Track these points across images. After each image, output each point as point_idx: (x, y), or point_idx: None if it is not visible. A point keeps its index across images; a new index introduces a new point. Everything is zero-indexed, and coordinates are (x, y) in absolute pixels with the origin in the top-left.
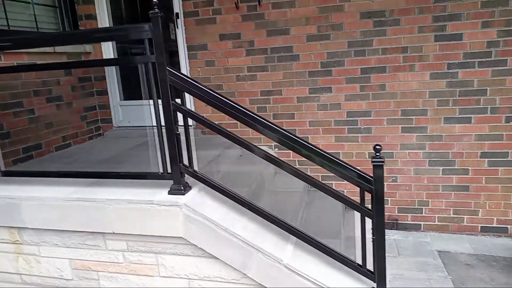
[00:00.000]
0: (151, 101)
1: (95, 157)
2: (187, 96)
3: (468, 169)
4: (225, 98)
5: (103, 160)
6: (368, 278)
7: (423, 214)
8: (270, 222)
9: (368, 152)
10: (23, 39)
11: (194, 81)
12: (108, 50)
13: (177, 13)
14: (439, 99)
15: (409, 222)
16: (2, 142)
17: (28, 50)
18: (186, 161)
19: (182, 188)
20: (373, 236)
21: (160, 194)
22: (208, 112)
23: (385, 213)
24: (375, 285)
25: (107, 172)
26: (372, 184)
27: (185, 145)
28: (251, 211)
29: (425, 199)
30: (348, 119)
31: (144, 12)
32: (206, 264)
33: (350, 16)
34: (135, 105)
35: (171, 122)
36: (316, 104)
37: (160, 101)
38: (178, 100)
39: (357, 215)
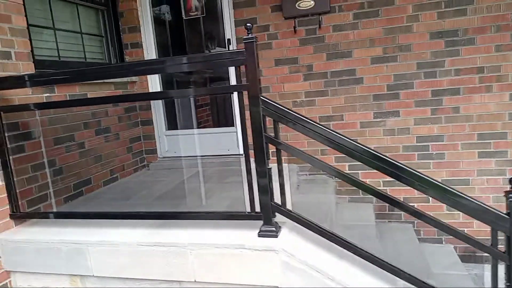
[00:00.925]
0: (201, 130)
1: (148, 192)
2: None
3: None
4: (333, 131)
5: (160, 196)
6: None
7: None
8: (378, 266)
9: (441, 179)
10: (95, 70)
11: (293, 111)
12: (154, 80)
13: (228, 39)
14: None
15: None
16: (54, 179)
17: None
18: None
19: (274, 229)
20: (507, 283)
21: (247, 236)
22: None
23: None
24: None
25: (181, 213)
26: (509, 224)
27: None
28: (358, 255)
29: None
30: (418, 144)
31: (191, 39)
32: None
33: (419, 36)
34: (183, 134)
35: (262, 156)
36: (382, 129)
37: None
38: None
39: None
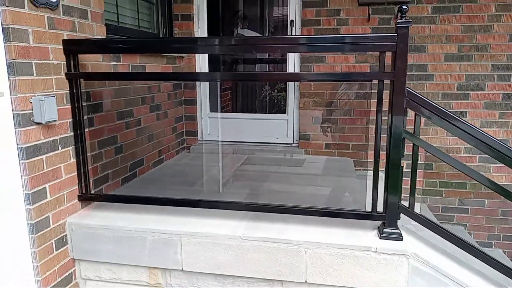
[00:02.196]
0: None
1: (209, 178)
2: None
3: None
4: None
5: (224, 184)
6: None
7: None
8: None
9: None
10: (201, 41)
11: (441, 107)
12: (203, 56)
13: (292, 21)
14: None
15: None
16: (114, 159)
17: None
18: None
19: (399, 232)
20: None
21: (366, 238)
22: None
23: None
24: None
25: (292, 208)
26: None
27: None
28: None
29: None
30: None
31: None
32: None
33: (498, 37)
34: (227, 118)
35: (398, 152)
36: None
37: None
38: None
39: None
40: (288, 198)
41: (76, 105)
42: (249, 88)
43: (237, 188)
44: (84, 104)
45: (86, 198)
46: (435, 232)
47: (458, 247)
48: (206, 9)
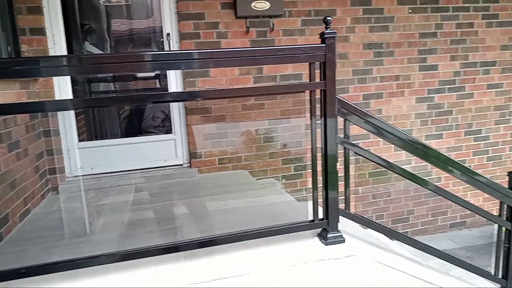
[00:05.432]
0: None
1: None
2: None
3: (441, 177)
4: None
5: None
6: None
7: (410, 222)
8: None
9: (368, 173)
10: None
11: (372, 114)
12: (63, 78)
13: (168, 34)
14: (422, 119)
15: (400, 231)
16: None
17: None
18: None
19: (341, 235)
20: (506, 243)
21: (311, 247)
22: None
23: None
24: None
25: (228, 236)
26: None
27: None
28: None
29: (411, 208)
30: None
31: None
32: None
33: (354, 46)
34: (105, 146)
35: (334, 158)
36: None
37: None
38: None
39: None
40: (209, 225)
41: None
42: (118, 108)
43: (147, 226)
44: None
45: None
46: (370, 228)
47: (390, 238)
48: (62, 21)
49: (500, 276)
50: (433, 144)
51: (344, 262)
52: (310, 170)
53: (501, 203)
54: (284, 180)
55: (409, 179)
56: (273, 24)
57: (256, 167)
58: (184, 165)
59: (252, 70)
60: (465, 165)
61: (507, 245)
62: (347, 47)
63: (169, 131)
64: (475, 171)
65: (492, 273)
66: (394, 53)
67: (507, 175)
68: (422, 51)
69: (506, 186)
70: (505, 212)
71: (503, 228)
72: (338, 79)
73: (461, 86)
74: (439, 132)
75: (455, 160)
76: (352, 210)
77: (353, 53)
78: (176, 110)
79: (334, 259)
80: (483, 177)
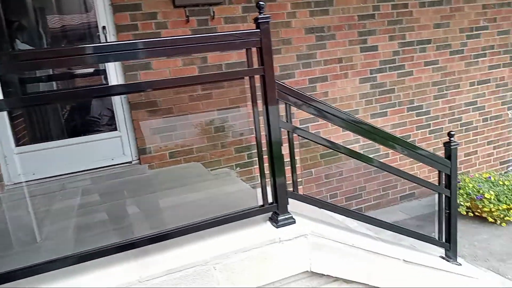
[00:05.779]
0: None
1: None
2: None
3: (389, 153)
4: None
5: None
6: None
7: (363, 198)
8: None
9: (319, 154)
10: None
11: (312, 96)
12: None
13: (104, 27)
14: (366, 99)
15: (354, 208)
16: None
17: None
18: None
19: (291, 216)
20: (447, 210)
21: (265, 232)
22: None
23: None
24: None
25: (181, 228)
26: (450, 166)
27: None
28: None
29: (363, 184)
30: (301, 126)
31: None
32: None
33: (296, 31)
34: (46, 148)
35: (279, 143)
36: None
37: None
38: None
39: None
40: (161, 221)
41: None
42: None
43: (97, 228)
44: None
45: None
46: (318, 206)
47: (340, 213)
48: None
49: (444, 240)
50: (378, 122)
51: (295, 242)
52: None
53: (439, 172)
54: (238, 168)
55: (355, 158)
56: (213, 12)
57: (210, 158)
58: (133, 162)
59: (196, 60)
60: (410, 139)
61: (447, 211)
62: (290, 32)
63: (114, 128)
64: (417, 145)
65: (437, 238)
66: (336, 36)
67: (444, 145)
68: (362, 32)
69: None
70: (444, 181)
71: (443, 195)
72: (283, 65)
73: (401, 64)
74: (383, 110)
75: (396, 136)
76: (308, 192)
77: (296, 38)
78: (119, 106)
79: (285, 240)
80: (423, 149)
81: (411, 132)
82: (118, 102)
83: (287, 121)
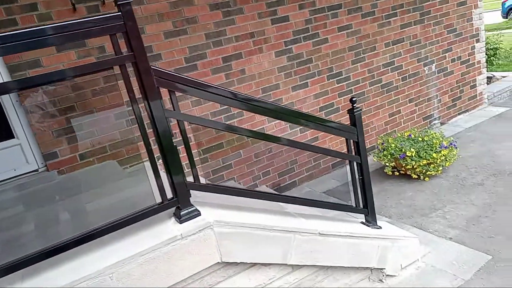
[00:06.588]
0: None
1: None
2: None
3: None
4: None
5: None
6: (362, 213)
7: (296, 171)
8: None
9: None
10: None
11: (192, 78)
12: None
13: None
14: (285, 72)
15: (288, 182)
16: None
17: None
18: None
19: (196, 208)
20: (360, 176)
21: (167, 230)
22: None
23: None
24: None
25: (74, 239)
26: (356, 133)
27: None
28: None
29: (294, 158)
30: (221, 108)
31: None
32: (244, 279)
33: (201, 9)
34: None
35: (169, 134)
36: (190, 101)
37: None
38: None
39: None
40: (64, 231)
41: None
42: None
43: None
44: None
45: None
46: (220, 193)
47: (243, 196)
48: None
49: (361, 207)
50: (300, 94)
51: (199, 236)
52: (182, 147)
53: (347, 140)
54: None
55: (262, 140)
56: None
57: (126, 154)
58: (40, 170)
59: (93, 51)
60: (334, 107)
61: (361, 177)
62: (194, 10)
63: (10, 135)
64: (324, 117)
65: (354, 205)
66: (244, 9)
67: (347, 112)
68: (270, 4)
69: None
70: (353, 148)
71: (354, 163)
72: (192, 45)
73: (315, 33)
74: (304, 81)
75: (301, 111)
76: (240, 173)
77: (202, 15)
78: (11, 110)
79: (189, 236)
80: (330, 121)
81: (334, 100)
82: (10, 107)
83: (174, 109)
